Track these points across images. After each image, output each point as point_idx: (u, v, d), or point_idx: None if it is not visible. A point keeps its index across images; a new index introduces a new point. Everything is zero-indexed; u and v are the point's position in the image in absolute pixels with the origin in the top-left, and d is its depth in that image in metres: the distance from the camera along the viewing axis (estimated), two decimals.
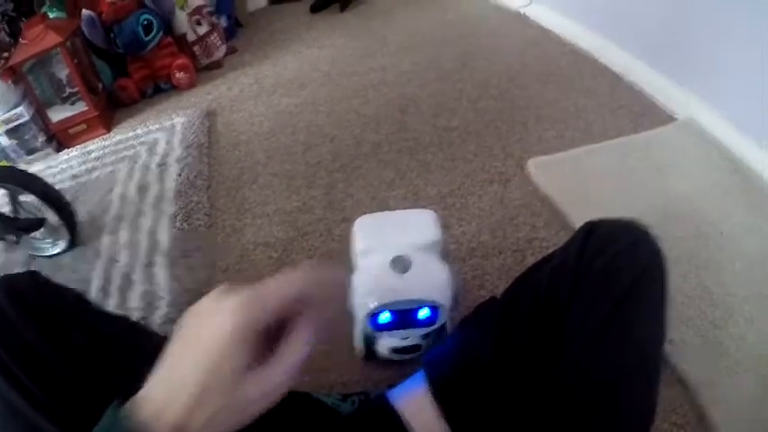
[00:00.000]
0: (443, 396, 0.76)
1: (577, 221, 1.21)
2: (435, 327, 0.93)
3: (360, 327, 0.98)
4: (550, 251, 0.86)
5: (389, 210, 1.42)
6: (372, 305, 0.89)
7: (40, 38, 2.00)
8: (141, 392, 0.45)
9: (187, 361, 0.45)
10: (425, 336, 0.97)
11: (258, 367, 0.44)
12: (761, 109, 1.32)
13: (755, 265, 1.12)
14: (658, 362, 0.70)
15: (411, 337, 0.96)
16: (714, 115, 1.45)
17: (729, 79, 1.41)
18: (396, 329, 0.93)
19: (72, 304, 0.79)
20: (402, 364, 1.06)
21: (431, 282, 0.91)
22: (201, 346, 0.44)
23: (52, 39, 1.99)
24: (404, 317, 0.91)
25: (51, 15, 2.22)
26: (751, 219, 1.22)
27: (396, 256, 0.91)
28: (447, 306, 0.91)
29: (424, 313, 0.91)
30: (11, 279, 0.81)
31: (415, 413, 0.77)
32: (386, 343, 1.00)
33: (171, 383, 0.45)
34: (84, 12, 2.19)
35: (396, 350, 1.00)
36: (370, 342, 1.03)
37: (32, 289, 0.75)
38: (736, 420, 0.88)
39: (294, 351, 0.46)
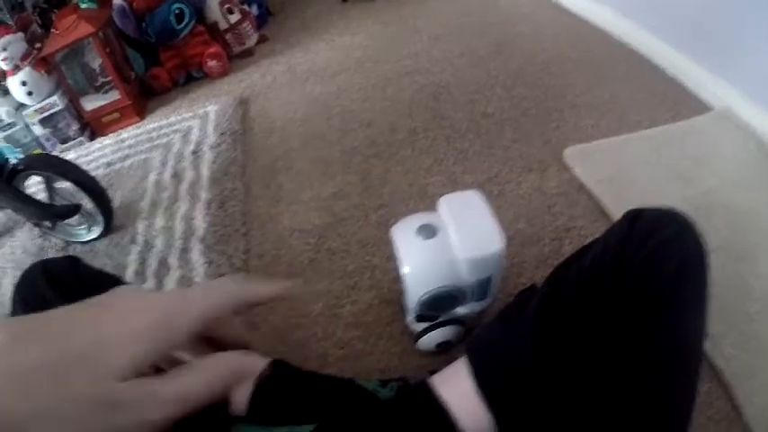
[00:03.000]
0: (487, 384, 0.74)
1: (614, 211, 1.22)
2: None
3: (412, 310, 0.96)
4: (588, 240, 0.84)
5: (427, 197, 1.40)
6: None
7: (72, 28, 2.00)
8: None
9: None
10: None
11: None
12: None
13: None
14: (700, 355, 0.68)
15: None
16: (752, 106, 1.40)
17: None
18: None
19: (111, 288, 0.79)
20: (436, 351, 1.05)
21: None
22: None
23: (84, 29, 1.99)
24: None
25: (83, 6, 2.22)
26: None
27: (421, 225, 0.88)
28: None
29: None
30: (49, 263, 0.83)
31: (458, 401, 0.75)
32: (435, 337, 0.97)
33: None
34: (116, 1, 2.20)
35: (440, 344, 0.98)
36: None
37: (71, 272, 0.76)
38: None
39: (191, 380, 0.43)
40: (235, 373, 0.49)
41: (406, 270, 0.88)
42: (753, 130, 1.39)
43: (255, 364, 0.52)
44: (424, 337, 0.98)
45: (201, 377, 0.44)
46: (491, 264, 0.85)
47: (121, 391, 0.38)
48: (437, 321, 0.97)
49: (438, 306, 0.92)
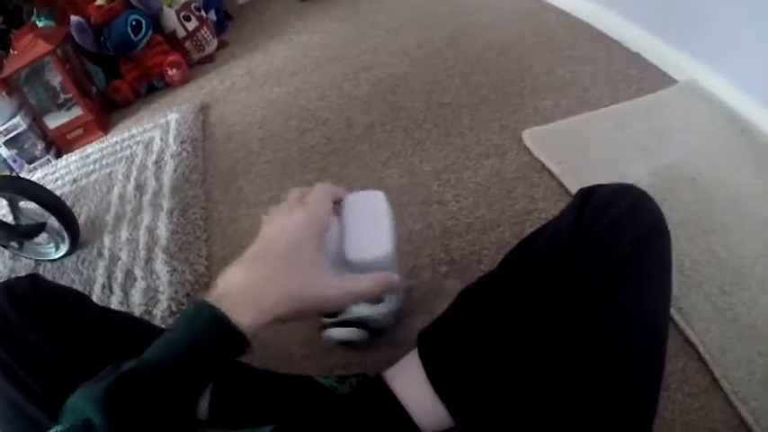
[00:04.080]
0: (438, 374, 0.73)
1: (576, 190, 1.21)
2: None
3: None
4: None
5: (385, 189, 1.40)
6: None
7: (30, 47, 2.01)
8: (221, 289, 0.57)
9: (272, 266, 0.58)
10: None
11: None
12: (766, 69, 1.27)
13: (765, 226, 1.08)
14: (665, 327, 0.68)
15: None
16: (717, 77, 1.39)
17: (732, 39, 1.35)
18: None
19: (73, 304, 0.80)
20: (407, 343, 1.05)
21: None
22: (286, 245, 0.60)
23: (42, 47, 2.00)
24: None
25: (40, 24, 2.23)
26: (759, 180, 1.17)
27: None
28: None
29: None
30: (12, 284, 0.83)
31: (410, 392, 0.75)
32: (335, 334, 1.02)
33: (258, 286, 0.57)
34: (73, 18, 2.20)
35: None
36: None
37: (33, 292, 0.77)
38: (749, 385, 0.86)
39: (370, 284, 0.64)
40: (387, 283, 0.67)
41: None
42: (718, 100, 1.37)
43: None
44: (326, 331, 1.03)
45: (369, 284, 0.64)
46: (376, 267, 0.84)
47: (329, 283, 0.61)
48: (340, 320, 1.00)
49: None
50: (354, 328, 1.01)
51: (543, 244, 0.73)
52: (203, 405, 0.87)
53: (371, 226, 0.81)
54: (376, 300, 0.95)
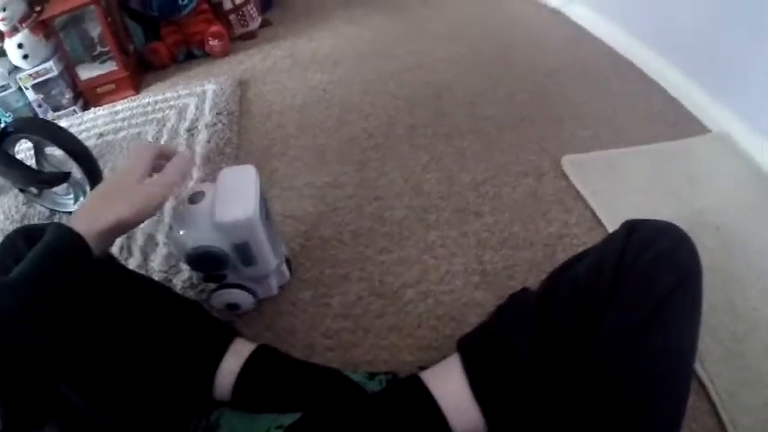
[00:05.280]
0: (478, 382, 0.76)
1: (609, 222, 1.23)
2: None
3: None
4: (581, 249, 0.87)
5: (423, 193, 1.40)
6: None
7: None
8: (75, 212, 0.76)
9: (103, 191, 0.79)
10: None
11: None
12: None
13: None
14: (690, 370, 0.70)
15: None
16: (750, 132, 1.41)
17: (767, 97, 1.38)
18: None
19: None
20: (434, 348, 1.05)
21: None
22: (115, 180, 0.81)
23: None
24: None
25: None
26: None
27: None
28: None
29: None
30: (30, 228, 0.84)
31: (449, 397, 0.77)
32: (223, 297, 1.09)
33: (91, 204, 0.77)
34: None
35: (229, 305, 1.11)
36: None
37: None
38: None
39: (168, 173, 0.79)
40: (185, 165, 0.83)
41: (171, 229, 1.03)
42: (749, 155, 1.40)
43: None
44: (213, 295, 1.08)
45: (170, 172, 0.80)
46: (241, 230, 0.94)
47: (143, 185, 0.77)
48: (224, 283, 1.06)
49: (207, 264, 0.99)
50: (238, 290, 1.07)
51: (587, 270, 0.76)
52: (225, 387, 0.86)
53: (239, 194, 0.94)
54: (247, 261, 1.00)
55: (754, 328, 1.01)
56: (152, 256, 1.30)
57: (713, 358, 0.96)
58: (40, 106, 2.08)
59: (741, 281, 1.10)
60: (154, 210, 0.77)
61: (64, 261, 0.66)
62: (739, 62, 1.45)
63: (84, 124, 1.98)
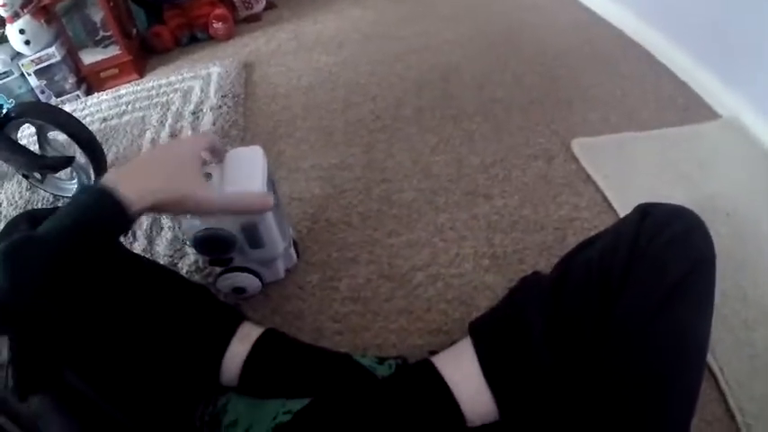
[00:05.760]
0: (490, 367, 0.75)
1: (619, 206, 1.22)
2: None
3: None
4: (592, 232, 0.88)
5: (432, 176, 1.38)
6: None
7: None
8: (114, 175, 0.67)
9: (161, 162, 0.74)
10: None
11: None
12: None
13: None
14: (704, 354, 0.69)
15: None
16: (759, 116, 1.40)
17: None
18: None
19: None
20: (444, 332, 1.03)
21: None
22: (174, 154, 0.77)
23: None
24: None
25: None
26: None
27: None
28: None
29: None
30: (35, 212, 0.82)
31: (461, 382, 0.76)
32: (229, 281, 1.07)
33: (147, 172, 0.71)
34: None
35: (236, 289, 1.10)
36: None
37: None
38: (761, 421, 0.87)
39: (243, 202, 0.83)
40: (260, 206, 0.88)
41: None
42: (760, 141, 1.39)
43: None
44: (219, 279, 1.06)
45: (245, 202, 0.85)
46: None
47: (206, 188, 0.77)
48: (230, 267, 1.05)
49: (215, 247, 0.98)
50: (245, 274, 1.05)
51: (600, 254, 0.75)
52: (232, 372, 0.84)
53: (247, 173, 0.93)
54: (255, 244, 0.99)
55: (765, 315, 1.00)
56: (157, 240, 1.29)
57: (723, 346, 0.96)
58: (42, 92, 2.06)
59: (752, 268, 1.09)
60: (202, 210, 0.80)
61: (98, 232, 0.63)
62: (750, 47, 1.43)
63: (87, 109, 1.95)
